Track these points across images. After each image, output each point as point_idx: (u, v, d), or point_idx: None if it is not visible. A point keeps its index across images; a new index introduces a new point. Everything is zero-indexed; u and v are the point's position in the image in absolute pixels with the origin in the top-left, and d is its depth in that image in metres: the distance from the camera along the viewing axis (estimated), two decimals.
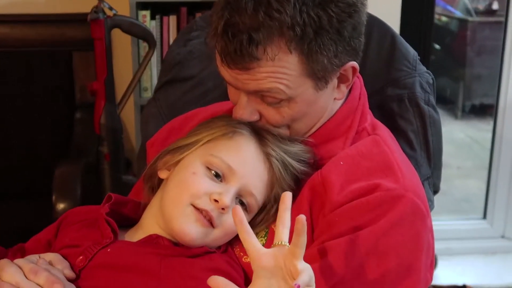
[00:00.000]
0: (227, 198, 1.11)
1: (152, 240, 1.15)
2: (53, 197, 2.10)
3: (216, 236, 1.14)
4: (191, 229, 1.11)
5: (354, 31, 1.11)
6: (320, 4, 1.06)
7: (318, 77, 1.11)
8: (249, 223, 1.16)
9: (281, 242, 0.96)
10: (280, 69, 1.08)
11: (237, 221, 0.98)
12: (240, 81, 1.11)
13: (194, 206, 1.11)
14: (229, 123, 1.18)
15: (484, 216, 3.08)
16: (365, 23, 1.16)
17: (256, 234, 1.17)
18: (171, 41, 2.45)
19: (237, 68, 1.09)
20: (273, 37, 1.05)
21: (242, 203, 1.15)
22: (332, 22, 1.07)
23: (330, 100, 1.19)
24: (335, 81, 1.16)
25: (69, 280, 1.08)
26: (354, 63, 1.15)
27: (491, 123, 3.06)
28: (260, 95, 1.13)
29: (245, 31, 1.05)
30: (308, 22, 1.05)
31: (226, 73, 1.13)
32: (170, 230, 1.14)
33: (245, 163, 1.14)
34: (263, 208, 1.18)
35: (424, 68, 1.48)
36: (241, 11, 1.06)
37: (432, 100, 1.46)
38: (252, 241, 0.97)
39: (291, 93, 1.11)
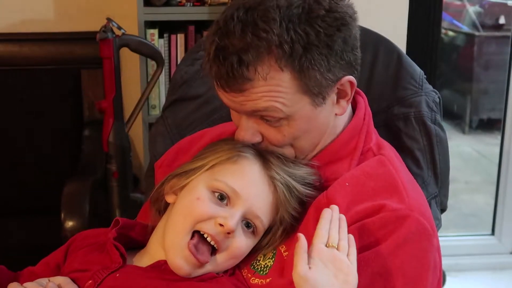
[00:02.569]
0: (233, 222, 1.11)
1: (160, 266, 1.15)
2: (62, 215, 2.11)
3: (222, 260, 1.14)
4: (182, 265, 1.11)
5: (345, 44, 1.12)
6: (307, 21, 1.07)
7: (314, 93, 1.12)
8: (256, 245, 1.17)
9: None
10: (274, 87, 1.09)
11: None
12: (237, 103, 1.12)
13: (197, 232, 1.12)
14: (233, 147, 1.18)
15: (493, 232, 3.06)
16: (360, 37, 1.16)
17: (264, 256, 1.18)
18: (179, 59, 2.47)
19: (232, 90, 1.10)
20: (262, 57, 1.07)
21: (248, 226, 1.15)
22: (320, 37, 1.08)
23: (331, 116, 1.20)
24: (333, 96, 1.16)
25: None
26: (351, 77, 1.16)
27: (499, 137, 3.06)
28: (259, 115, 1.14)
29: (235, 53, 1.07)
30: (296, 38, 1.06)
31: (223, 97, 1.14)
32: (168, 262, 1.14)
33: (250, 187, 1.15)
34: (269, 230, 1.18)
35: (431, 87, 1.48)
36: (230, 34, 1.08)
37: (439, 119, 1.46)
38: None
39: (288, 111, 1.12)
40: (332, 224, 1.06)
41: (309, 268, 1.00)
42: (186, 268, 1.11)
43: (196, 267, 1.12)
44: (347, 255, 1.03)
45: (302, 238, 1.01)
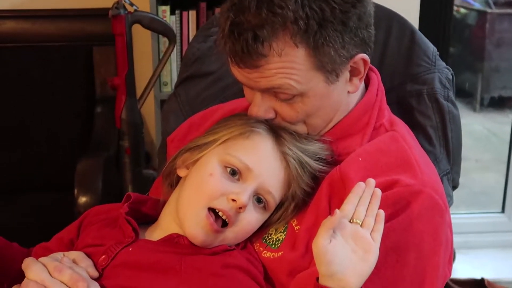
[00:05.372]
0: (245, 197, 1.12)
1: (173, 239, 1.16)
2: (75, 191, 2.13)
3: (234, 234, 1.15)
4: (200, 233, 1.13)
5: (360, 21, 1.12)
6: None
7: (328, 70, 1.12)
8: (268, 220, 1.18)
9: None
10: (289, 64, 1.09)
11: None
12: (251, 80, 1.13)
13: (210, 208, 1.13)
14: (246, 122, 1.18)
15: (503, 210, 3.06)
16: (373, 14, 1.16)
17: (275, 230, 1.19)
18: (190, 36, 2.47)
19: (247, 66, 1.10)
20: (277, 33, 1.07)
21: (260, 201, 1.16)
22: (335, 13, 1.08)
23: (344, 93, 1.20)
24: (346, 74, 1.17)
25: (92, 278, 1.10)
26: (364, 55, 1.16)
27: (510, 115, 3.05)
28: (273, 92, 1.14)
29: (250, 29, 1.07)
30: (311, 15, 1.06)
31: (237, 73, 1.15)
32: (183, 231, 1.16)
33: (262, 162, 1.15)
34: (280, 205, 1.19)
35: (444, 64, 1.48)
36: (245, 10, 1.08)
37: (452, 95, 1.46)
38: None
39: (302, 88, 1.12)
40: (361, 199, 1.04)
41: (330, 242, 1.00)
42: (202, 235, 1.12)
43: (211, 236, 1.13)
44: (372, 231, 1.02)
45: (337, 214, 1.00)
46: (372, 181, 1.06)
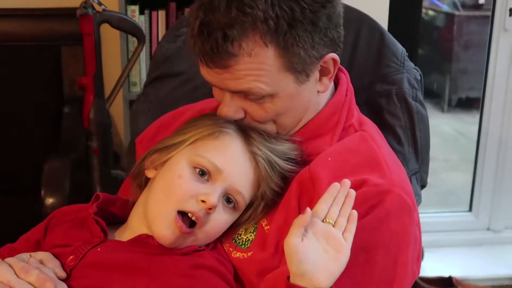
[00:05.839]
0: (214, 198, 1.12)
1: (142, 240, 1.15)
2: (42, 192, 2.10)
3: (204, 235, 1.15)
4: (169, 235, 1.12)
5: (329, 21, 1.12)
6: None
7: (298, 70, 1.12)
8: (237, 220, 1.18)
9: None
10: (258, 65, 1.09)
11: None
12: (221, 80, 1.12)
13: (179, 211, 1.12)
14: (215, 122, 1.18)
15: (470, 209, 3.10)
16: (343, 15, 1.17)
17: (245, 230, 1.19)
18: (160, 36, 2.45)
19: (216, 66, 1.10)
20: (247, 32, 1.07)
21: (229, 201, 1.16)
22: (305, 13, 1.08)
23: (314, 93, 1.20)
24: (316, 74, 1.17)
25: (60, 279, 1.09)
26: (334, 55, 1.16)
27: (477, 116, 3.08)
28: (243, 93, 1.14)
29: (220, 29, 1.06)
30: (281, 14, 1.06)
31: (207, 74, 1.14)
32: (152, 233, 1.15)
33: (231, 163, 1.15)
34: (250, 205, 1.19)
35: (412, 65, 1.49)
36: (215, 10, 1.07)
37: (420, 96, 1.47)
38: None
39: (272, 90, 1.12)
40: (335, 200, 1.05)
41: (301, 240, 1.00)
42: (171, 237, 1.12)
43: (181, 238, 1.12)
44: (344, 231, 1.03)
45: (308, 212, 1.01)
46: (347, 182, 1.07)
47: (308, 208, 1.01)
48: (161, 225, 1.13)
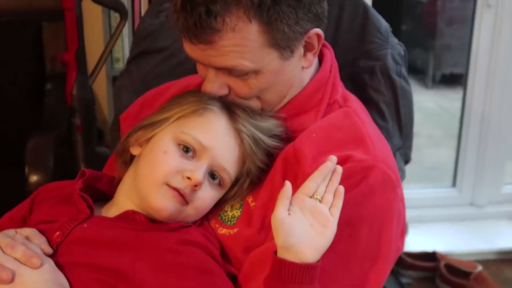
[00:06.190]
0: (199, 175, 1.12)
1: (129, 216, 1.16)
2: (26, 169, 2.08)
3: (190, 212, 1.15)
4: (168, 206, 1.12)
5: None
6: None
7: (282, 46, 1.12)
8: (223, 196, 1.18)
9: None
10: (242, 41, 1.08)
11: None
12: (205, 56, 1.12)
13: (168, 185, 1.12)
14: (200, 99, 1.18)
15: (454, 184, 3.12)
16: None
17: (231, 206, 1.20)
18: (142, 12, 2.42)
19: (200, 42, 1.09)
20: (230, 7, 1.06)
21: (214, 177, 1.16)
22: None
23: (298, 69, 1.20)
24: (301, 49, 1.17)
25: (47, 255, 1.08)
26: (318, 30, 1.16)
27: (461, 92, 3.09)
28: (227, 69, 1.14)
29: (203, 4, 1.06)
30: None
31: (190, 50, 1.13)
32: (147, 207, 1.15)
33: (216, 140, 1.15)
34: (236, 182, 1.19)
35: (396, 40, 1.49)
36: None
37: (404, 71, 1.47)
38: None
39: (256, 66, 1.12)
40: (325, 178, 1.06)
41: (288, 214, 1.01)
42: (170, 207, 1.12)
43: (179, 208, 1.13)
44: (331, 207, 1.04)
45: (287, 185, 1.02)
46: (334, 158, 1.08)
47: (287, 181, 1.03)
48: (158, 197, 1.13)
